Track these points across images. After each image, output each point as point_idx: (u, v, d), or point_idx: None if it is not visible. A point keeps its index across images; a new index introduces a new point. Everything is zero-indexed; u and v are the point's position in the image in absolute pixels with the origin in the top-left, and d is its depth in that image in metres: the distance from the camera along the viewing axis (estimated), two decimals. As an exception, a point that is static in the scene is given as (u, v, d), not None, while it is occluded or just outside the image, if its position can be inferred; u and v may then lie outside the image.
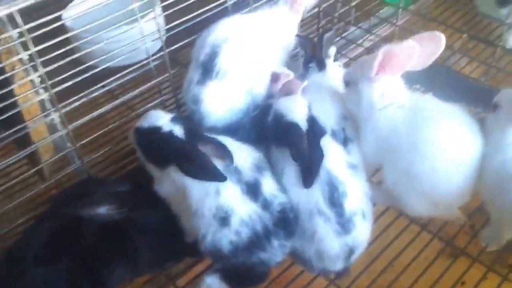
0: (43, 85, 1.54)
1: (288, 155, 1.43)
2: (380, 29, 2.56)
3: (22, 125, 1.57)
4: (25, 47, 1.45)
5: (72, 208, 1.37)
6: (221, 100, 1.67)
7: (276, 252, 1.41)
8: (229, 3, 1.98)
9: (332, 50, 1.89)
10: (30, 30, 1.41)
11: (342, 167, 1.44)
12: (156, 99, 2.00)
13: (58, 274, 1.40)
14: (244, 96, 1.69)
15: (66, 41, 1.59)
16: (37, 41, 1.45)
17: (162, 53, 1.82)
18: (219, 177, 1.33)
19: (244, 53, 1.68)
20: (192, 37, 1.85)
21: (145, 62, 1.84)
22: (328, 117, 1.64)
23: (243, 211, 1.36)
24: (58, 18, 1.49)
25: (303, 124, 1.47)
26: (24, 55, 1.48)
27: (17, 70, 1.53)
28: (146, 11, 1.74)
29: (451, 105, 1.54)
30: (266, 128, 1.58)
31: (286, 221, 1.41)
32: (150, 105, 1.98)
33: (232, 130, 1.66)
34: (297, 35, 1.92)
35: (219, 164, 1.35)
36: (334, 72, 1.84)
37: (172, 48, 1.85)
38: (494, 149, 1.45)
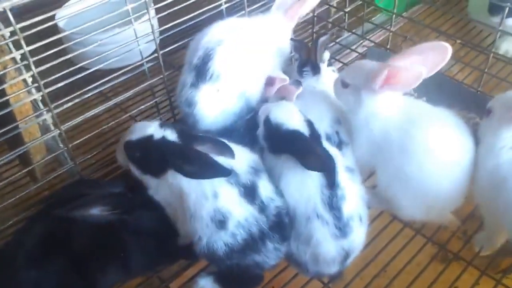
0: (36, 85, 1.52)
1: (286, 160, 1.43)
2: (374, 34, 2.57)
3: (13, 124, 1.55)
4: (17, 46, 1.44)
5: (65, 209, 1.35)
6: (215, 103, 1.66)
7: (270, 255, 1.41)
8: (223, 6, 1.98)
9: (326, 55, 1.90)
10: (23, 30, 1.39)
11: (340, 170, 1.44)
12: (149, 102, 1.99)
13: (50, 276, 1.39)
14: (238, 99, 1.69)
15: (60, 42, 1.58)
16: (30, 41, 1.44)
17: (155, 55, 1.82)
18: (223, 172, 1.31)
19: (238, 56, 1.68)
20: (186, 40, 1.85)
21: (138, 64, 1.83)
22: (322, 121, 1.64)
23: (240, 214, 1.35)
24: (51, 18, 1.48)
25: (305, 130, 1.47)
26: (17, 54, 1.46)
27: (9, 69, 1.51)
28: (139, 13, 1.73)
29: (443, 110, 1.56)
30: (258, 136, 1.57)
31: (282, 225, 1.41)
32: (143, 107, 1.97)
33: (226, 133, 1.65)
34: (291, 39, 1.93)
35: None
36: (328, 76, 1.84)
37: (167, 50, 1.84)
38: (487, 153, 1.46)
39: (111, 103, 1.82)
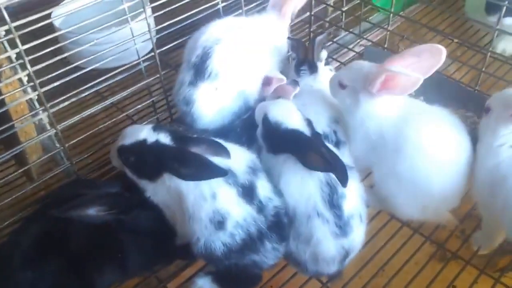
0: (31, 84, 1.51)
1: (285, 159, 1.43)
2: (372, 34, 2.57)
3: (9, 124, 1.54)
4: (13, 45, 1.42)
5: (61, 209, 1.34)
6: (213, 101, 1.66)
7: (269, 255, 1.41)
8: (220, 5, 1.97)
9: (324, 54, 1.90)
10: (19, 29, 1.38)
11: None
12: (146, 101, 1.98)
13: (46, 277, 1.38)
14: (236, 97, 1.69)
15: (56, 41, 1.57)
16: (26, 40, 1.43)
17: (152, 54, 1.81)
18: (220, 172, 1.31)
19: (236, 55, 1.68)
20: (183, 39, 1.84)
21: (135, 63, 1.82)
22: (320, 120, 1.64)
23: (238, 214, 1.34)
24: (47, 17, 1.48)
25: (305, 129, 1.46)
26: (12, 53, 1.45)
27: (4, 68, 1.50)
28: (136, 12, 1.72)
29: (440, 109, 1.57)
30: (257, 136, 1.56)
31: (280, 225, 1.40)
32: (140, 106, 1.96)
33: (224, 132, 1.65)
34: (289, 38, 1.92)
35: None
36: (326, 76, 1.83)
37: (163, 49, 1.84)
38: (486, 152, 1.46)
39: (107, 102, 1.82)
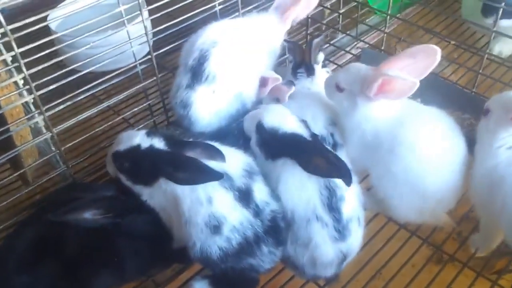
0: (27, 87, 1.50)
1: (283, 164, 1.42)
2: (368, 36, 2.57)
3: (4, 127, 1.53)
4: (8, 48, 1.42)
5: (57, 213, 1.33)
6: (210, 104, 1.66)
7: (265, 258, 1.40)
8: (217, 7, 1.97)
9: (320, 57, 1.90)
10: (15, 32, 1.38)
11: None
12: (143, 104, 1.97)
13: (42, 281, 1.38)
14: (234, 100, 1.68)
15: (52, 44, 1.57)
16: (22, 43, 1.42)
17: (149, 57, 1.80)
18: (215, 176, 1.30)
19: (234, 57, 1.68)
20: (180, 42, 1.84)
21: (131, 66, 1.82)
22: (317, 123, 1.64)
23: (235, 218, 1.34)
24: (43, 20, 1.47)
25: (304, 132, 1.46)
26: (7, 56, 1.45)
27: (-1, 72, 1.50)
28: (132, 14, 1.72)
29: (435, 110, 1.57)
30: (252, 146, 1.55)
31: (277, 229, 1.40)
32: (136, 109, 1.95)
33: (221, 135, 1.64)
34: (285, 41, 1.92)
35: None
36: (323, 78, 1.83)
37: (160, 51, 1.83)
38: (484, 153, 1.46)
39: (104, 105, 1.81)
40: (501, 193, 1.39)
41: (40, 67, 1.49)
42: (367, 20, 2.63)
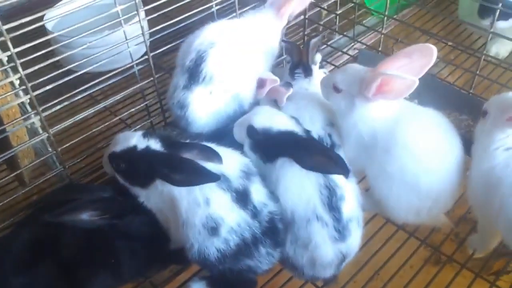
0: (23, 87, 1.49)
1: (281, 164, 1.42)
2: (366, 37, 2.57)
3: (0, 128, 1.52)
4: (4, 48, 1.41)
5: (54, 214, 1.33)
6: (207, 105, 1.65)
7: (263, 260, 1.40)
8: (214, 8, 1.96)
9: (318, 57, 1.89)
10: (11, 32, 1.37)
11: None
12: (140, 105, 1.97)
13: (38, 283, 1.37)
14: (231, 101, 1.68)
15: (48, 44, 1.56)
16: (18, 43, 1.41)
17: (146, 57, 1.80)
18: (212, 177, 1.30)
19: (231, 58, 1.67)
20: (177, 42, 1.84)
21: (128, 66, 1.81)
22: (314, 123, 1.64)
23: (232, 219, 1.33)
24: (40, 20, 1.46)
25: (297, 129, 1.46)
26: (3, 56, 1.44)
27: (-5, 72, 1.49)
28: (129, 14, 1.71)
29: (431, 111, 1.57)
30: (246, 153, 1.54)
31: (275, 231, 1.40)
32: (133, 110, 1.95)
33: (218, 136, 1.64)
34: (283, 41, 1.92)
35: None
36: (320, 79, 1.83)
37: (157, 52, 1.83)
38: (482, 155, 1.46)
39: (100, 106, 1.80)
40: (498, 195, 1.39)
41: (36, 67, 1.48)
42: (364, 21, 2.64)
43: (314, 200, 1.38)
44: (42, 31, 2.00)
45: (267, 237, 1.38)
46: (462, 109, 1.88)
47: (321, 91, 1.66)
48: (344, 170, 1.36)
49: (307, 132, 1.49)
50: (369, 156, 1.55)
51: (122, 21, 1.68)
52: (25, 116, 1.60)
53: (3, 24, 1.34)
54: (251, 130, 1.49)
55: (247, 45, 1.75)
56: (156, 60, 1.85)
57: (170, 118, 1.98)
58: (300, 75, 1.84)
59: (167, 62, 2.24)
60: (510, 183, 1.37)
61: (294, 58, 1.87)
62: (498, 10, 1.90)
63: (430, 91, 1.76)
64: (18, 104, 1.60)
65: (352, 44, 2.54)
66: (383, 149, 1.50)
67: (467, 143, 1.54)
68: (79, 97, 1.68)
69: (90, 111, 1.76)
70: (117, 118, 1.93)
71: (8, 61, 1.46)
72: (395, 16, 2.60)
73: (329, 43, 2.54)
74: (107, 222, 1.39)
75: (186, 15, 1.85)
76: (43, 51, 1.51)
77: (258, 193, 1.39)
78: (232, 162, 1.40)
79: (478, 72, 2.04)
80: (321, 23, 2.54)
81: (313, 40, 1.84)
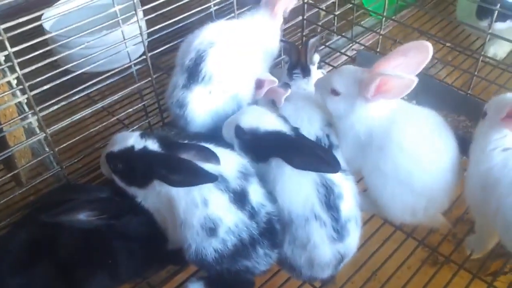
0: (20, 87, 1.49)
1: (277, 164, 1.42)
2: (364, 38, 2.58)
3: (-3, 128, 1.52)
4: (1, 48, 1.40)
5: (51, 214, 1.32)
6: (206, 104, 1.65)
7: (261, 260, 1.39)
8: (212, 8, 1.96)
9: (316, 57, 1.89)
10: (8, 31, 1.36)
11: None
12: (138, 105, 1.96)
13: (36, 283, 1.36)
14: (230, 101, 1.68)
15: (46, 44, 1.56)
16: (15, 42, 1.41)
17: (144, 57, 1.79)
18: (209, 178, 1.29)
19: (230, 58, 1.67)
20: (175, 42, 1.83)
21: (126, 66, 1.81)
22: (313, 124, 1.64)
23: (230, 220, 1.33)
24: (37, 19, 1.46)
25: (284, 127, 1.46)
26: (1, 56, 1.43)
27: (-8, 71, 1.48)
28: (127, 14, 1.71)
29: (426, 110, 1.57)
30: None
31: (273, 232, 1.39)
32: (131, 110, 1.94)
33: (217, 136, 1.63)
34: (282, 41, 1.92)
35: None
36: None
37: (155, 52, 1.82)
38: (479, 155, 1.46)
39: (98, 106, 1.80)
40: (496, 195, 1.39)
41: (33, 67, 1.48)
42: (362, 22, 2.64)
43: (312, 199, 1.38)
44: (40, 30, 2.01)
45: (265, 238, 1.38)
46: (460, 110, 1.88)
47: (316, 95, 1.66)
48: (334, 167, 1.36)
49: (296, 130, 1.48)
50: (365, 155, 1.55)
51: (120, 21, 1.67)
52: (22, 116, 1.60)
53: (1, 24, 1.33)
54: (239, 130, 1.49)
55: (246, 46, 1.75)
56: (154, 60, 1.85)
57: (168, 118, 1.97)
58: (298, 76, 1.84)
59: (165, 62, 2.24)
60: (508, 183, 1.38)
61: (292, 59, 1.87)
62: (496, 11, 1.91)
63: (428, 92, 1.77)
64: (15, 104, 1.59)
65: (351, 45, 2.54)
66: (378, 147, 1.51)
67: (465, 144, 1.54)
68: (76, 97, 1.67)
69: (88, 111, 1.76)
70: (115, 118, 1.93)
71: (6, 61, 1.45)
72: (393, 17, 2.60)
73: (327, 44, 2.54)
74: (105, 222, 1.39)
75: (184, 15, 1.85)
76: (41, 51, 1.50)
77: (256, 194, 1.39)
78: (230, 163, 1.40)
79: (476, 73, 2.04)
80: (320, 23, 2.54)
81: (311, 40, 1.84)
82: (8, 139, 1.61)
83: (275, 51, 1.91)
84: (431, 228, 1.66)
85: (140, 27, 1.72)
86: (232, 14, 2.00)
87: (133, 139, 1.38)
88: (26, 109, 1.62)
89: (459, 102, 1.97)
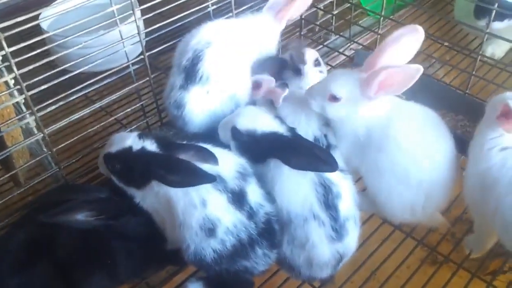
0: (18, 87, 1.48)
1: (275, 164, 1.42)
2: (362, 37, 2.58)
3: (-5, 128, 1.51)
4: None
5: (49, 215, 1.32)
6: (204, 105, 1.65)
7: (260, 261, 1.40)
8: (210, 8, 1.96)
9: (314, 55, 1.87)
10: (5, 31, 1.36)
11: None
12: (135, 105, 1.96)
13: (34, 283, 1.36)
14: (227, 101, 1.67)
15: (43, 44, 1.55)
16: (13, 42, 1.40)
17: (141, 57, 1.79)
18: (207, 178, 1.29)
19: (228, 58, 1.67)
20: (173, 42, 1.83)
21: (124, 66, 1.80)
22: (311, 124, 1.64)
23: (228, 220, 1.33)
24: (35, 19, 1.45)
25: (281, 128, 1.46)
26: (-2, 56, 1.43)
27: (-11, 72, 1.47)
28: (125, 14, 1.70)
29: (423, 108, 1.57)
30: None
31: (271, 232, 1.39)
32: (129, 110, 1.94)
33: (215, 136, 1.63)
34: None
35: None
36: (315, 78, 1.82)
37: (153, 51, 1.82)
38: (477, 155, 1.46)
39: (96, 106, 1.79)
40: (494, 194, 1.39)
41: (31, 67, 1.47)
42: (360, 22, 2.64)
43: (311, 198, 1.38)
44: (37, 30, 2.00)
45: (264, 238, 1.38)
46: (458, 110, 1.88)
47: (311, 105, 1.57)
48: (332, 166, 1.36)
49: (292, 130, 1.48)
50: (363, 154, 1.55)
51: (118, 21, 1.66)
52: (20, 116, 1.59)
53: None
54: (235, 132, 1.49)
55: (244, 46, 1.75)
56: (152, 60, 1.85)
57: (166, 118, 1.97)
58: (293, 77, 1.82)
59: (163, 62, 2.24)
60: (506, 183, 1.37)
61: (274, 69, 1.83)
62: (494, 11, 1.91)
63: (426, 91, 1.76)
64: (13, 104, 1.59)
65: (349, 44, 2.54)
66: (376, 147, 1.51)
67: (464, 144, 1.54)
68: (74, 97, 1.67)
69: (86, 111, 1.75)
70: (113, 118, 1.92)
71: (3, 61, 1.45)
72: (391, 17, 2.60)
73: (325, 43, 2.54)
74: (103, 222, 1.38)
75: (182, 14, 1.84)
76: (38, 51, 1.50)
77: (254, 194, 1.38)
78: (228, 163, 1.40)
79: (474, 72, 2.05)
80: (318, 23, 2.54)
81: (293, 45, 1.84)
82: (6, 139, 1.60)
83: (273, 53, 1.90)
84: (430, 227, 1.66)
85: (138, 27, 1.71)
86: (230, 14, 2.00)
87: (131, 140, 1.38)
88: (24, 109, 1.61)
89: (457, 102, 1.97)
